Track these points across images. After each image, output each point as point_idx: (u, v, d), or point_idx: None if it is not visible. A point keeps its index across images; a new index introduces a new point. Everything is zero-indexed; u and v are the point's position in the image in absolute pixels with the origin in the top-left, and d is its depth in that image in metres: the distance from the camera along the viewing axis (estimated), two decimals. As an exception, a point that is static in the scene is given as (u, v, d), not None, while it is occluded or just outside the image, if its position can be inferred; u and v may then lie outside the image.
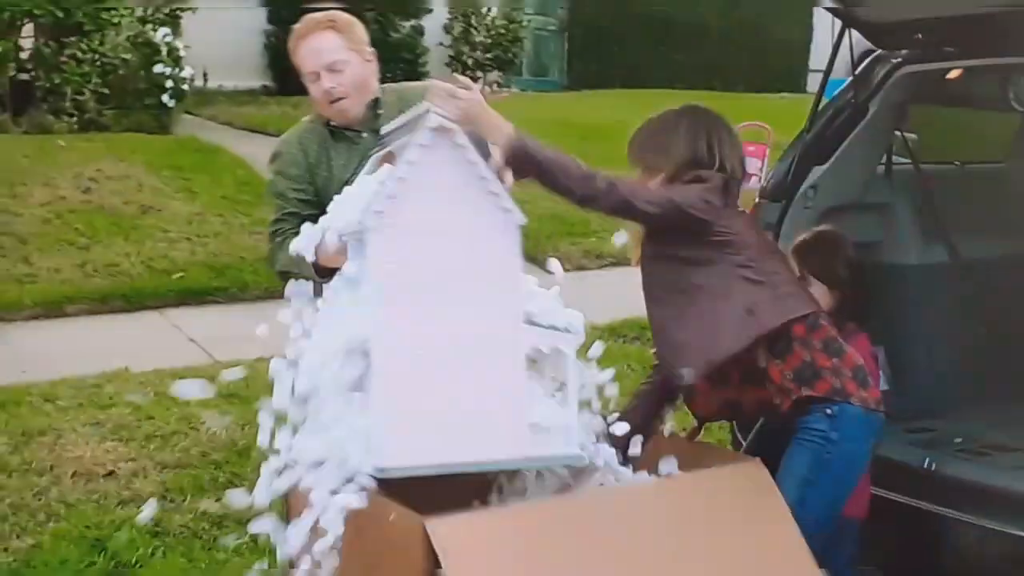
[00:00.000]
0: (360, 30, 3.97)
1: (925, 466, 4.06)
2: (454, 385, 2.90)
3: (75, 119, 11.83)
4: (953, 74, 4.61)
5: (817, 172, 4.53)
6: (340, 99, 3.85)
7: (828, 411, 3.25)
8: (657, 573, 2.96)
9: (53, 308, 7.85)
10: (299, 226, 3.31)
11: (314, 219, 3.28)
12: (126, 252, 8.68)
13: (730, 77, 17.83)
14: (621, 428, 3.27)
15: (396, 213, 2.87)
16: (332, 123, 3.92)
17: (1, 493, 5.05)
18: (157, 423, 5.83)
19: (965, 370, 4.79)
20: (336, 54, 3.83)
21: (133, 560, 4.55)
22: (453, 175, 2.93)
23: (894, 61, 4.53)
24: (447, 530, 2.77)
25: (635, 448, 3.29)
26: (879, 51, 4.57)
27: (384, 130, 3.35)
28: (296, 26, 3.90)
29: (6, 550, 4.65)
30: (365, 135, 3.89)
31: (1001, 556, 3.81)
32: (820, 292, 3.87)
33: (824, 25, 19.37)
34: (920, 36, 4.39)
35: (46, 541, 4.70)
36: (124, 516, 4.90)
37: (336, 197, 3.27)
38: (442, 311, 2.91)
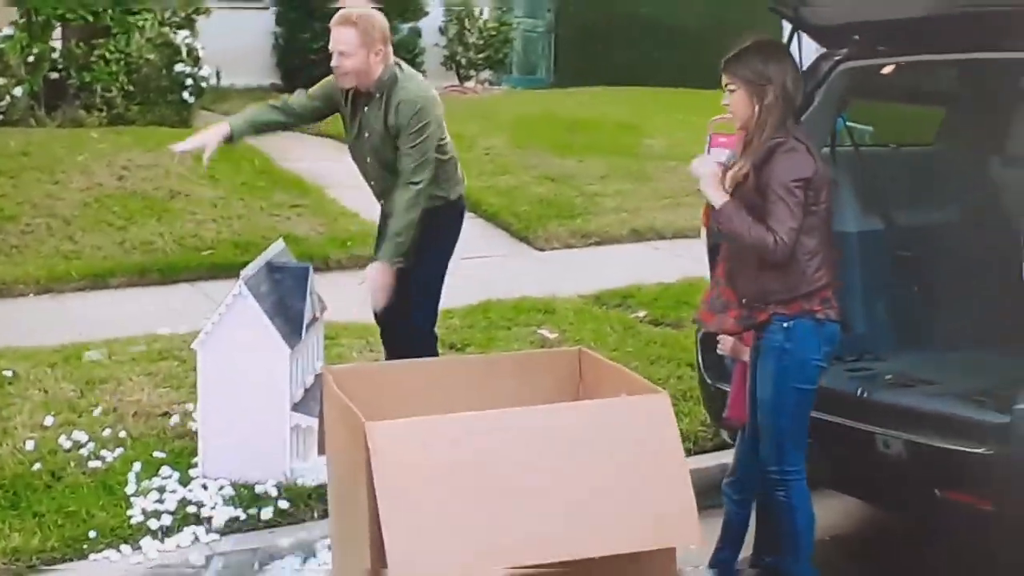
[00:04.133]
0: (377, 29, 5.22)
1: (858, 394, 4.71)
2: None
3: (104, 113, 12.43)
4: (887, 69, 5.26)
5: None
6: (343, 75, 5.23)
7: (784, 324, 3.97)
8: (542, 492, 3.35)
9: (98, 280, 8.46)
10: (273, 107, 5.64)
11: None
12: (160, 232, 9.26)
13: (706, 75, 18.39)
14: None
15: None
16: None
17: (74, 428, 5.66)
18: (200, 374, 6.43)
19: (898, 321, 5.44)
20: (346, 45, 5.18)
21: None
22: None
23: (836, 58, 5.16)
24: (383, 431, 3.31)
25: None
26: (824, 50, 5.20)
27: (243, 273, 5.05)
28: (338, 14, 5.23)
29: (84, 473, 5.28)
30: (367, 108, 5.31)
31: (918, 463, 4.44)
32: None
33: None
34: (857, 37, 5.03)
35: (117, 465, 5.34)
36: (181, 447, 5.54)
37: None
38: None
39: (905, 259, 5.48)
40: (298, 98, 5.58)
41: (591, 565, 3.27)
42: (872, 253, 5.43)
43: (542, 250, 9.91)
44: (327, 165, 11.74)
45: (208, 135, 5.41)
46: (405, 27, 16.89)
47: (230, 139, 5.47)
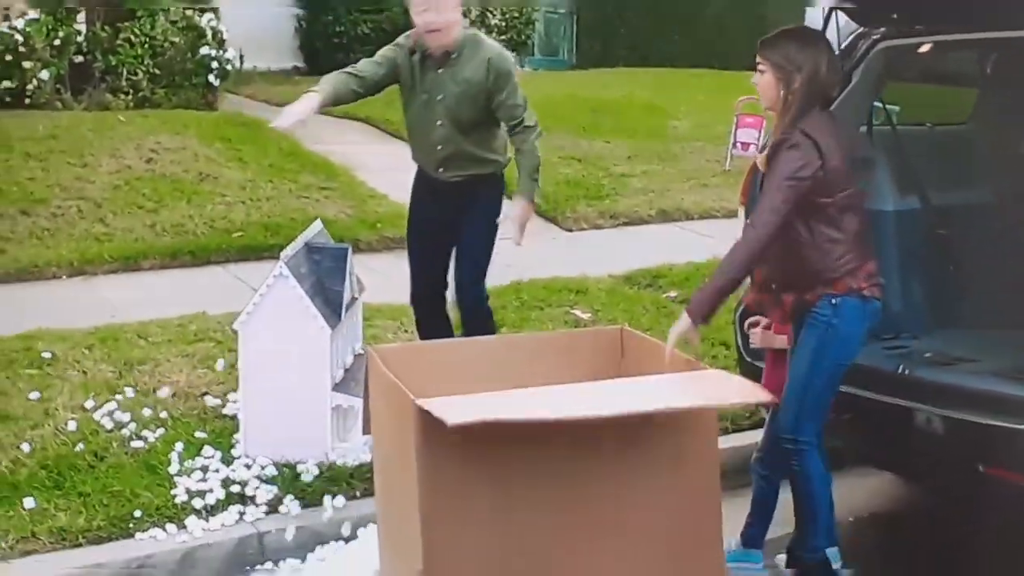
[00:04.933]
0: None
1: (899, 371, 4.73)
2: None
3: (130, 97, 12.47)
4: (924, 48, 5.26)
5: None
6: (435, 31, 5.20)
7: (833, 301, 4.03)
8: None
9: (130, 263, 8.49)
10: (350, 75, 5.41)
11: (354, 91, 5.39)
12: (189, 214, 9.30)
13: (726, 56, 18.38)
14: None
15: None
16: (426, 49, 5.30)
17: (115, 409, 5.71)
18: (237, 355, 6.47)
19: (933, 300, 5.45)
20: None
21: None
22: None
23: (873, 37, 5.17)
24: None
25: None
26: (861, 28, 5.20)
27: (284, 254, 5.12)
28: None
29: (127, 453, 5.33)
30: (441, 71, 5.32)
31: (962, 439, 4.47)
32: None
33: (814, 8, 19.86)
34: (895, 15, 5.03)
35: (159, 445, 5.39)
36: (221, 427, 5.59)
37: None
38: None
39: (941, 238, 5.49)
40: (366, 66, 5.47)
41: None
42: (908, 232, 5.44)
43: (570, 231, 9.93)
44: (354, 148, 11.80)
45: (302, 107, 5.24)
46: (427, 9, 16.91)
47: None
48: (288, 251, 5.22)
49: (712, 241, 9.33)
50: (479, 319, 5.58)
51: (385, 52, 5.53)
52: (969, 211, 5.53)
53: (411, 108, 5.52)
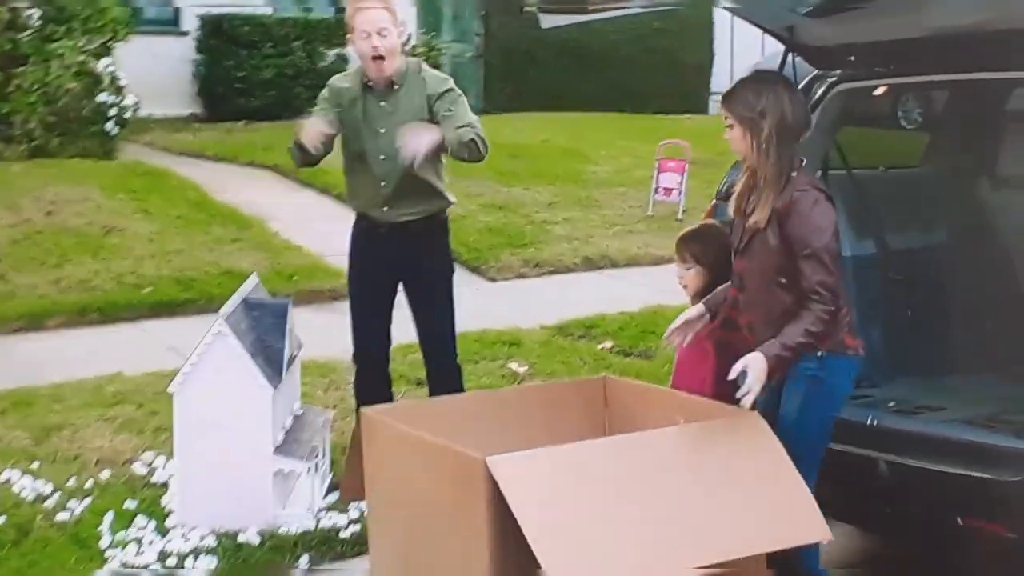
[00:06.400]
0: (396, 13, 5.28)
1: (868, 422, 4.73)
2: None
3: (24, 147, 12.19)
4: (880, 90, 5.31)
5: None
6: (378, 57, 5.13)
7: (819, 354, 4.06)
8: (673, 507, 3.58)
9: (35, 321, 8.27)
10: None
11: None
12: (96, 269, 9.09)
13: (641, 98, 18.58)
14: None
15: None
16: (367, 81, 5.24)
17: (35, 478, 5.50)
18: (163, 418, 6.29)
19: (894, 346, 5.47)
20: (385, 23, 5.15)
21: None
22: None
23: (830, 80, 5.20)
24: (505, 465, 3.38)
25: None
26: (817, 71, 5.24)
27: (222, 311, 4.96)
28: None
29: (52, 526, 5.12)
30: (383, 103, 5.27)
31: (937, 491, 4.47)
32: (695, 272, 4.73)
33: (723, 51, 20.14)
34: (853, 58, 5.07)
35: (87, 517, 5.19)
36: (152, 495, 5.41)
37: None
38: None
39: (898, 283, 5.53)
40: (320, 116, 5.33)
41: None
42: (865, 277, 5.46)
43: (494, 280, 9.88)
44: (265, 197, 11.66)
45: (318, 130, 5.19)
46: (331, 53, 16.87)
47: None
48: (226, 308, 5.09)
49: (642, 290, 9.38)
50: (450, 376, 5.52)
51: (324, 97, 5.44)
52: (925, 254, 5.58)
53: (351, 146, 5.40)
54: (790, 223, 4.14)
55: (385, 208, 5.39)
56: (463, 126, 5.11)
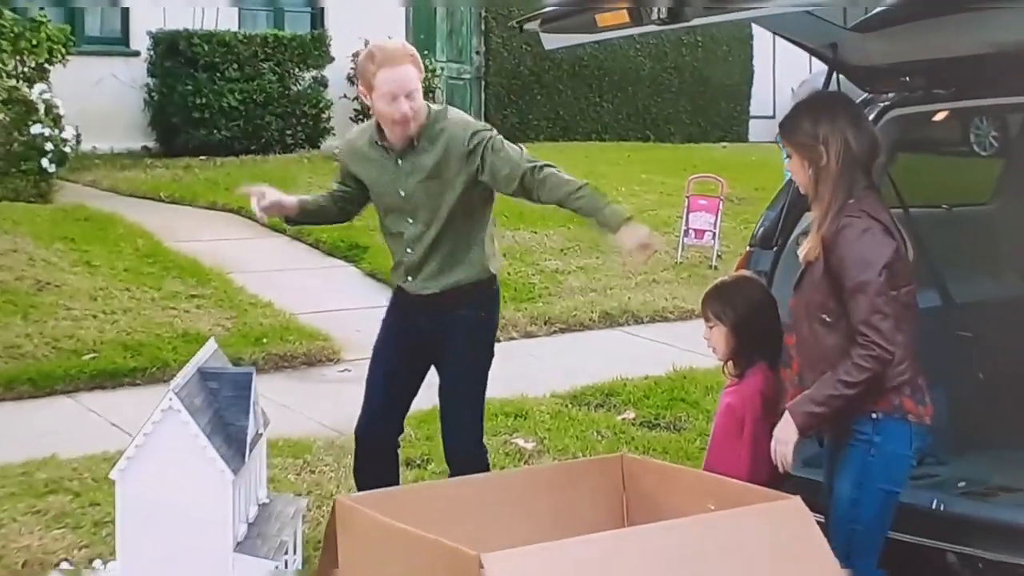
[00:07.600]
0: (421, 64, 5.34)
1: (933, 506, 4.73)
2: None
3: (-56, 189, 12.29)
4: (939, 116, 5.35)
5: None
6: (409, 120, 5.17)
7: (873, 416, 4.15)
8: None
9: (-47, 395, 8.28)
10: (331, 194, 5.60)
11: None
12: (27, 332, 9.10)
13: (666, 125, 18.68)
14: None
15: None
16: (380, 141, 5.32)
17: (-47, 584, 5.51)
18: (105, 509, 6.28)
19: (964, 415, 5.48)
20: (415, 84, 5.18)
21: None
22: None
23: (882, 104, 5.25)
24: (502, 564, 3.38)
25: None
26: (867, 94, 5.28)
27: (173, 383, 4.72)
28: (380, 52, 5.22)
29: (-29, 641, 5.13)
30: (401, 162, 5.31)
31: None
32: (718, 332, 4.72)
33: (764, 72, 20.24)
34: (907, 79, 5.12)
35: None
36: (91, 602, 5.41)
37: None
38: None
39: (966, 341, 5.54)
40: (338, 188, 5.61)
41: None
42: (928, 334, 5.46)
43: (498, 341, 9.84)
44: (226, 244, 11.71)
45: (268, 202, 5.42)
46: (308, 76, 16.99)
47: (293, 215, 5.57)
48: (179, 379, 5.09)
49: (669, 349, 9.38)
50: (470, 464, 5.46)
51: (340, 165, 5.60)
52: (997, 308, 5.60)
53: (378, 208, 5.51)
54: (834, 254, 4.20)
55: (409, 278, 5.43)
56: (532, 168, 5.12)
